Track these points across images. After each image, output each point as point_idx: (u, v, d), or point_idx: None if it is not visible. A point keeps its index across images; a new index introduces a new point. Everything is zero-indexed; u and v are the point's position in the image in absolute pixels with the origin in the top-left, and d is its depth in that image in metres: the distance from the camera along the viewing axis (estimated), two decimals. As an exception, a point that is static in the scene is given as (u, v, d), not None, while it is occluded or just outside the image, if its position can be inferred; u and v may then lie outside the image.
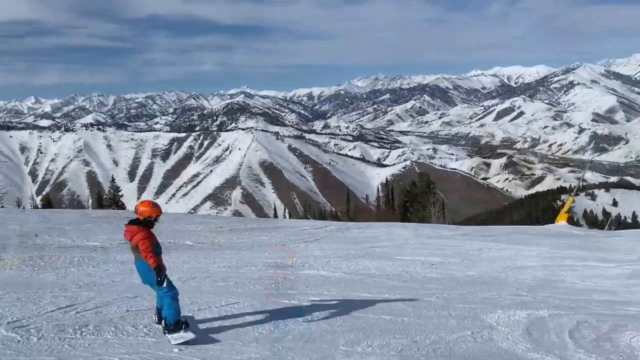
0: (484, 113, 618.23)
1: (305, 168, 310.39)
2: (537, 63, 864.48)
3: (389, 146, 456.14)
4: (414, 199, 52.21)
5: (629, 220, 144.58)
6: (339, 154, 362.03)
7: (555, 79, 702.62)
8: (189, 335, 5.30)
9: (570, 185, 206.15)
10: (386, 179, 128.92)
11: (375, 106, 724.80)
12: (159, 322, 5.65)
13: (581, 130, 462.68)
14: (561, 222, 31.99)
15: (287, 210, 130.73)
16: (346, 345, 5.52)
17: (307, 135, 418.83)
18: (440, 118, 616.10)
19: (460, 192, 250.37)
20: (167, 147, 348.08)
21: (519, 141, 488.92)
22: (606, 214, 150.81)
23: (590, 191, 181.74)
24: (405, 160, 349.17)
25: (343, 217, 64.85)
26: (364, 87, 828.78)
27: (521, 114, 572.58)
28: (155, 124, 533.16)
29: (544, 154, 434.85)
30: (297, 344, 5.50)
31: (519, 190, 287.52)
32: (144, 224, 5.46)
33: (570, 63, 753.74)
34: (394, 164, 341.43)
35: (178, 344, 5.19)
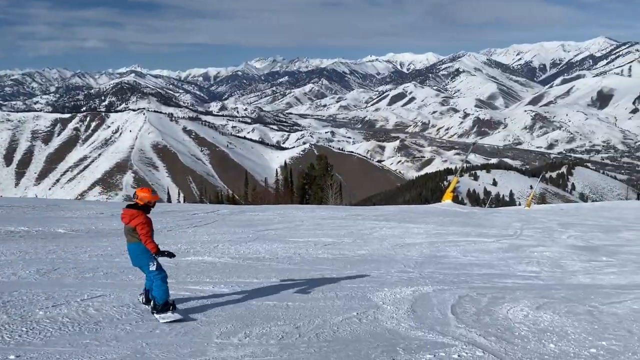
0: (379, 98, 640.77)
1: (201, 151, 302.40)
2: (427, 51, 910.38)
3: (288, 129, 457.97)
4: (313, 181, 52.58)
5: (507, 199, 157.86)
6: (237, 136, 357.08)
7: (443, 66, 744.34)
8: (176, 316, 5.57)
9: (455, 166, 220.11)
10: (285, 162, 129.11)
11: (273, 88, 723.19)
12: (146, 303, 5.84)
13: (466, 115, 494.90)
14: (447, 200, 33.79)
15: (182, 195, 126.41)
16: (221, 337, 5.03)
17: (204, 117, 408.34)
18: (338, 102, 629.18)
19: (357, 174, 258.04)
20: (49, 128, 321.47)
21: (410, 125, 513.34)
22: (487, 192, 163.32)
23: (474, 172, 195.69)
24: (304, 143, 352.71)
25: (241, 200, 63.86)
26: (262, 68, 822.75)
27: (412, 99, 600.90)
28: (35, 103, 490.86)
29: (433, 137, 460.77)
30: (164, 339, 4.91)
31: (411, 172, 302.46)
32: (143, 209, 5.67)
33: (456, 51, 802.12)
34: (293, 147, 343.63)
35: (166, 322, 5.44)
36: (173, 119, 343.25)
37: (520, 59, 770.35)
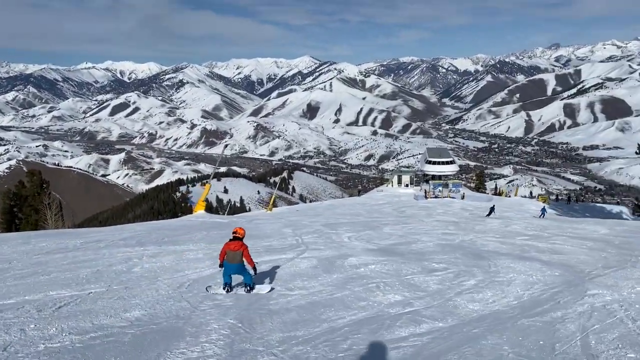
0: (99, 108, 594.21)
1: None
2: (148, 60, 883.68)
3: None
4: (24, 202, 42.13)
5: (238, 204, 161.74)
6: None
7: (167, 76, 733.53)
8: (260, 288, 8.49)
9: (187, 176, 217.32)
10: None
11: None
12: (230, 291, 8.23)
13: (193, 126, 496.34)
14: (200, 211, 30.03)
15: None
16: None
17: None
18: (50, 112, 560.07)
19: (79, 191, 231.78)
20: None
21: (136, 136, 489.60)
22: (219, 200, 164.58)
23: (205, 181, 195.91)
24: (9, 159, 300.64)
25: None
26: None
27: (137, 109, 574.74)
28: None
29: (161, 148, 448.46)
30: None
31: (140, 185, 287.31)
32: (241, 240, 8.28)
33: (179, 62, 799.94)
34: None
35: (267, 292, 8.33)
36: None
37: (240, 72, 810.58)
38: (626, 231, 22.05)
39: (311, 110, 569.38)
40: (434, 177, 74.90)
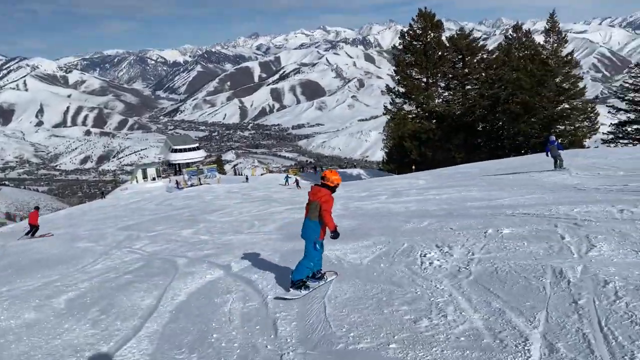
0: None
1: None
2: None
3: None
4: None
5: None
6: None
7: None
8: (301, 293, 5.82)
9: None
10: None
11: None
12: (312, 277, 6.14)
13: None
14: None
15: None
16: None
17: None
18: None
19: None
20: None
21: None
22: None
23: None
24: None
25: None
26: None
27: None
28: None
29: None
30: None
31: None
32: (331, 189, 5.87)
33: None
34: None
35: (292, 296, 5.79)
36: None
37: None
38: (443, 178, 24.15)
39: (4, 114, 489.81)
40: (180, 166, 72.17)
